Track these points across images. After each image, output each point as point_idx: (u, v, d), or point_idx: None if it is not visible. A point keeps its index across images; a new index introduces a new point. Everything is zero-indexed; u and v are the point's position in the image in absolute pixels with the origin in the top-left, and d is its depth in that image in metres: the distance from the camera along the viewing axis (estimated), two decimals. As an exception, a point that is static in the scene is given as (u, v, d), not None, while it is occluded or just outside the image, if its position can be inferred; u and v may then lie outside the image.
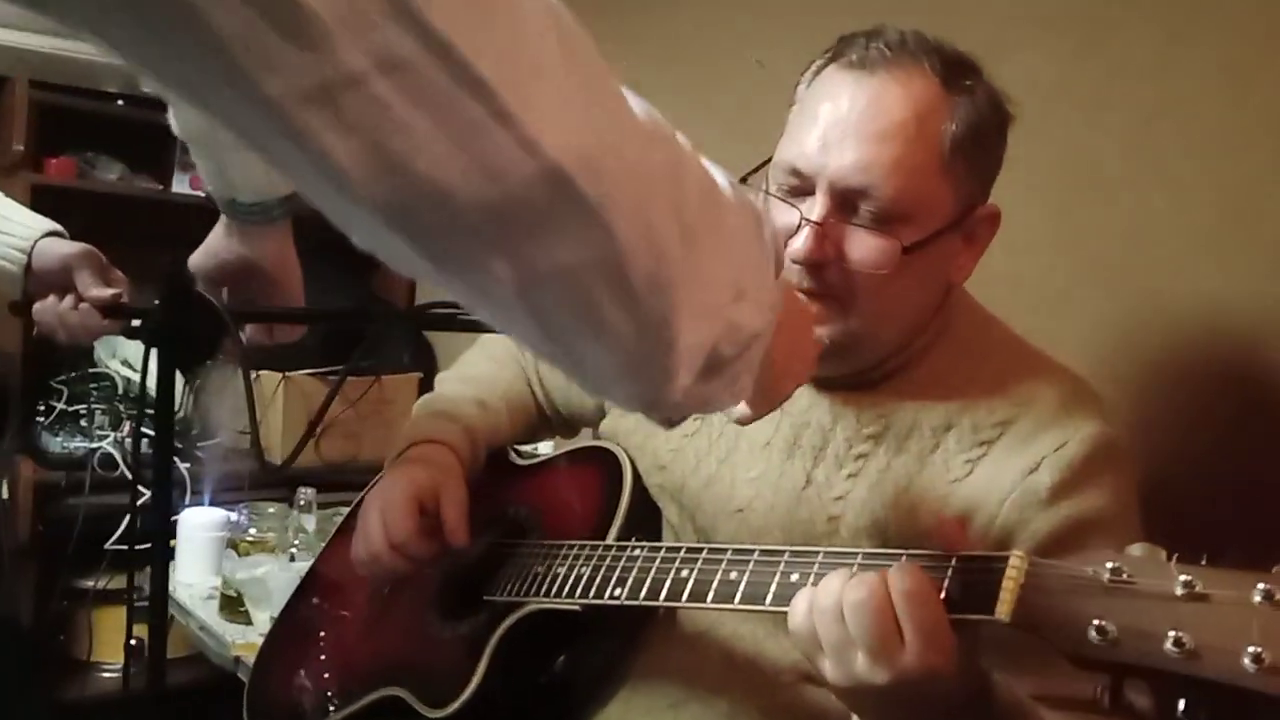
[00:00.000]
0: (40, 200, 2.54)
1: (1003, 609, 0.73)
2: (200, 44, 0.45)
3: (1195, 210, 1.29)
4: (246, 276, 1.20)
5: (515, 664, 1.06)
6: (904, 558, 0.81)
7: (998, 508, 0.97)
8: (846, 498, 1.04)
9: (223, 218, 1.18)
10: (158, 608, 1.31)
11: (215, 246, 1.19)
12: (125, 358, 2.56)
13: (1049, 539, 0.95)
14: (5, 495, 2.42)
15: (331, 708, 1.15)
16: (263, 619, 1.81)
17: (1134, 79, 1.35)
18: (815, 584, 0.82)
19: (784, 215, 1.03)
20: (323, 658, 1.23)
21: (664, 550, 0.98)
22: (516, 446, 1.32)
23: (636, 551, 0.99)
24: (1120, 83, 1.36)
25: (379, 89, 0.47)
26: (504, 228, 0.52)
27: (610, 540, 1.06)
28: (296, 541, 1.97)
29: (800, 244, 1.00)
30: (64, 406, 2.45)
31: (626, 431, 1.22)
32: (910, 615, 0.76)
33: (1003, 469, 0.99)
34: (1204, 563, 0.67)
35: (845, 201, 1.00)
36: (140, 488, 1.76)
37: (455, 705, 1.03)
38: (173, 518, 2.12)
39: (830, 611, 0.78)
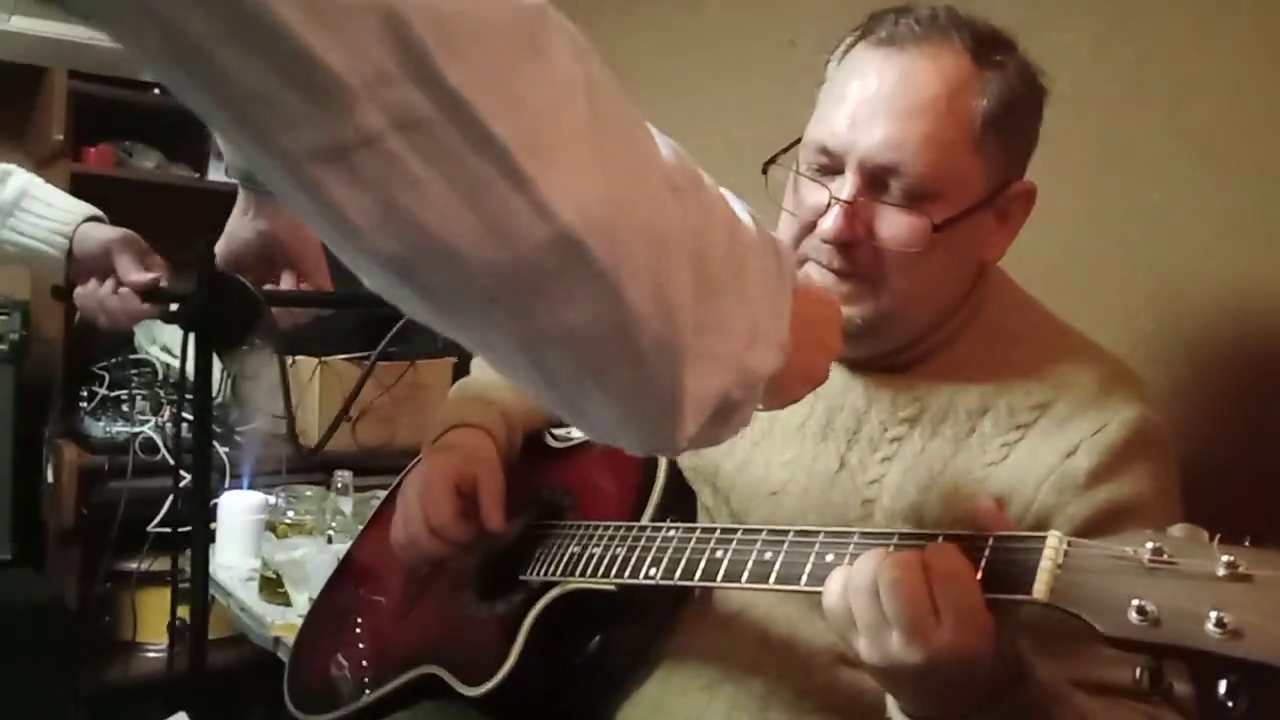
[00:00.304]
0: (79, 188, 2.56)
1: (1040, 589, 0.72)
2: (223, 96, 0.46)
3: (1233, 188, 1.27)
4: (268, 252, 1.20)
5: (551, 643, 1.07)
6: (940, 538, 0.80)
7: (1034, 491, 0.96)
8: (881, 481, 1.04)
9: (238, 201, 1.19)
10: (199, 589, 1.33)
11: (234, 229, 1.20)
12: (164, 343, 2.60)
13: (1086, 524, 0.94)
14: (50, 479, 2.46)
15: (369, 685, 1.17)
16: (301, 600, 1.83)
17: (1169, 56, 1.33)
18: (851, 564, 0.81)
19: (813, 194, 1.02)
20: (361, 637, 1.24)
21: (699, 531, 0.98)
22: (552, 429, 1.33)
23: (671, 532, 1.00)
24: (1155, 60, 1.34)
25: (394, 146, 0.47)
26: (511, 288, 0.52)
27: (645, 521, 1.07)
28: (334, 524, 1.99)
29: (830, 223, 0.99)
30: (106, 392, 2.49)
31: None
32: (946, 595, 0.76)
33: (1039, 453, 0.98)
34: (1247, 544, 0.66)
35: (875, 179, 0.99)
36: (181, 471, 1.79)
37: (492, 683, 1.04)
38: (212, 501, 2.15)
39: (865, 590, 0.78)
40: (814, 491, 1.07)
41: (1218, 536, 0.68)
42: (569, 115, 0.51)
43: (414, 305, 0.54)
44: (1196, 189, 1.30)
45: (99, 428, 2.45)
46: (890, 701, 0.86)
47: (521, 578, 1.11)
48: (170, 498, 2.30)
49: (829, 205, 1.00)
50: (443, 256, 0.50)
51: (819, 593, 0.83)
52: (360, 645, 1.24)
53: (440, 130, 0.47)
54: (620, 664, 1.13)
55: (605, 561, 1.03)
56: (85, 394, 2.49)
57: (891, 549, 0.81)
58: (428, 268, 0.51)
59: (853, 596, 0.79)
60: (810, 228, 1.02)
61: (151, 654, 2.51)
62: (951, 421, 1.03)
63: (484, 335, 0.56)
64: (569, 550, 1.07)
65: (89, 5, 0.45)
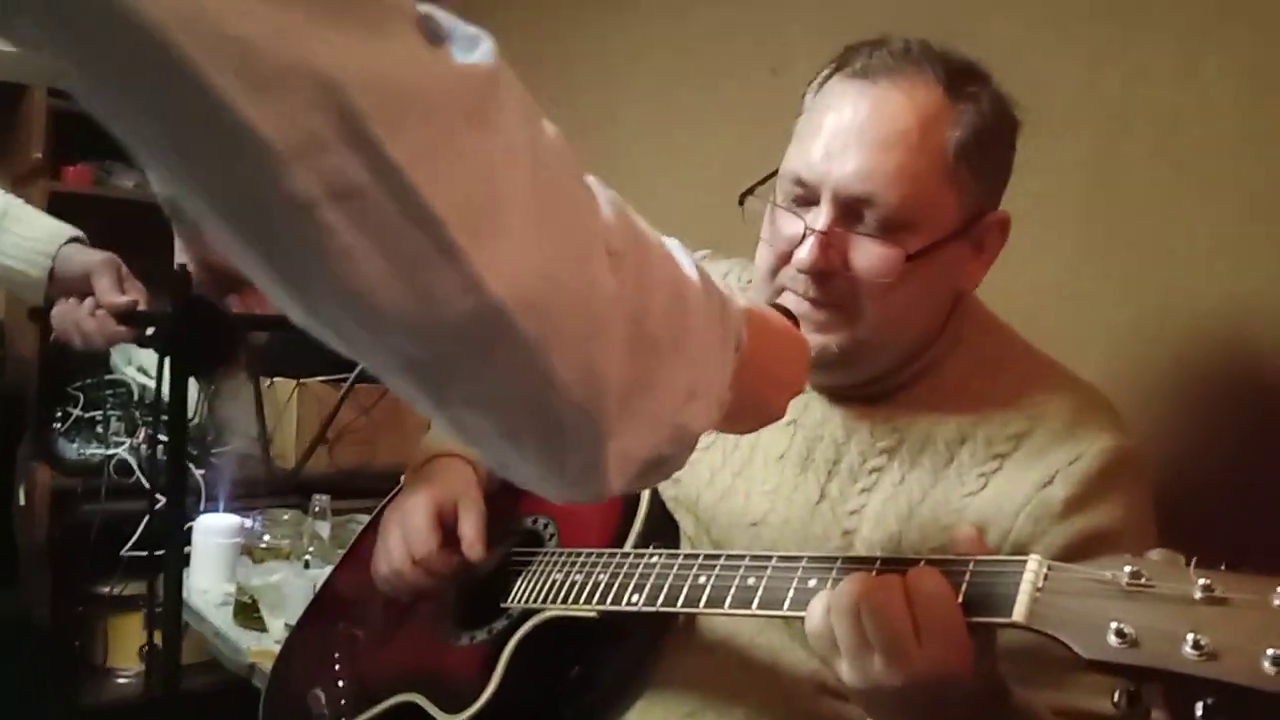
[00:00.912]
0: (58, 207, 2.54)
1: (1020, 612, 0.72)
2: (148, 142, 0.46)
3: (1221, 215, 1.28)
4: (216, 281, 1.17)
5: (532, 671, 1.06)
6: (922, 563, 0.80)
7: (1011, 521, 0.97)
8: (861, 512, 1.04)
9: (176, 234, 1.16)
10: (172, 614, 1.31)
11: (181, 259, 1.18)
12: (141, 364, 2.58)
13: (1063, 552, 0.94)
14: (22, 501, 2.43)
15: (346, 713, 1.16)
16: (277, 625, 1.81)
17: (1156, 83, 1.34)
18: (833, 588, 0.81)
19: (789, 225, 1.03)
20: (339, 665, 1.23)
21: (681, 557, 0.97)
22: None
23: (654, 559, 0.99)
24: (1142, 87, 1.35)
25: (326, 216, 0.46)
26: (431, 354, 0.52)
27: (628, 548, 1.06)
28: (311, 548, 1.97)
29: (805, 253, 1.00)
30: (80, 413, 2.46)
31: None
32: (927, 617, 0.76)
33: (1016, 483, 0.98)
34: (1223, 568, 0.67)
35: (849, 210, 1.00)
36: (156, 494, 1.77)
37: (471, 711, 1.03)
38: (187, 524, 2.13)
39: (848, 613, 0.78)
40: (794, 522, 1.07)
41: (1194, 560, 0.68)
42: (509, 185, 0.51)
43: (336, 345, 0.54)
44: (1185, 213, 1.31)
45: (73, 449, 2.42)
46: None
47: (502, 605, 1.10)
48: (144, 520, 2.28)
49: (804, 236, 1.01)
50: (365, 319, 0.50)
51: (802, 617, 0.83)
52: (339, 673, 1.22)
53: (376, 199, 0.47)
54: (602, 692, 1.12)
55: (587, 589, 1.02)
56: (60, 414, 2.46)
57: (874, 573, 0.81)
58: (349, 327, 0.51)
59: (835, 619, 0.79)
60: (787, 258, 1.03)
61: (123, 679, 2.47)
62: (930, 452, 1.03)
63: (402, 388, 0.56)
64: (551, 577, 1.07)
65: (35, 37, 0.45)
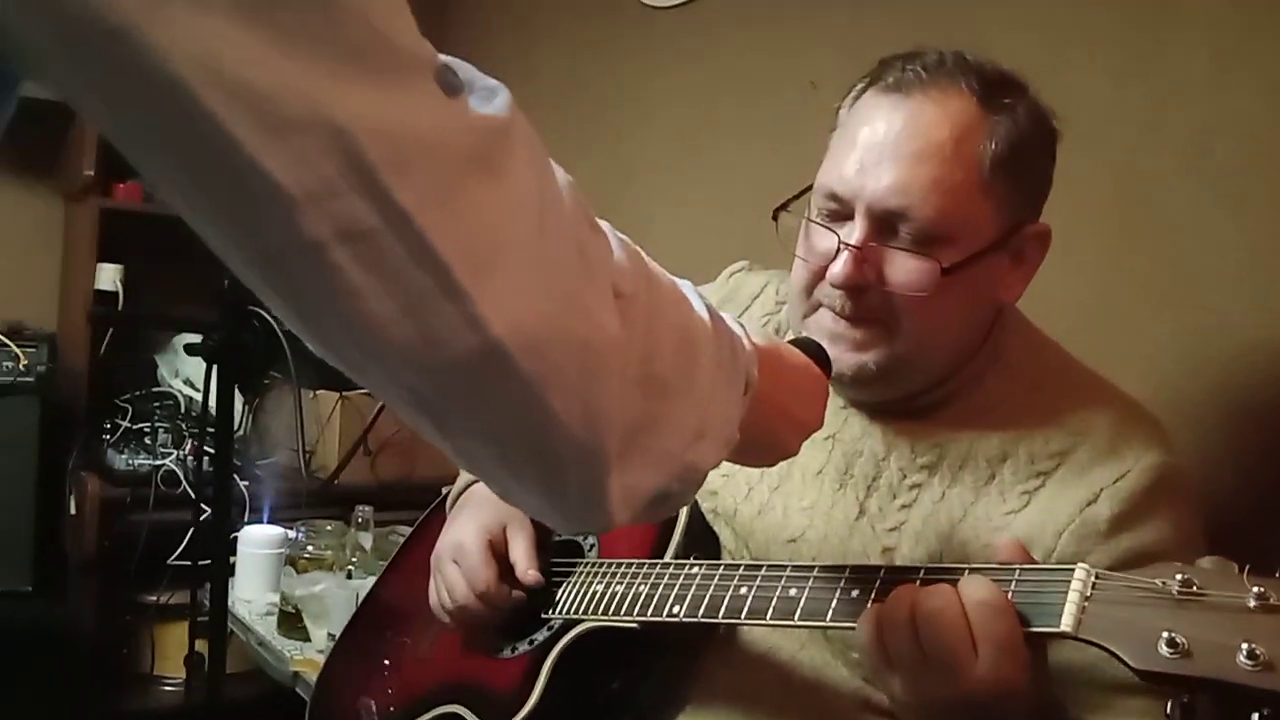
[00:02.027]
0: (109, 224, 2.61)
1: (1068, 621, 0.72)
2: (173, 194, 0.48)
3: (1255, 228, 1.27)
4: None
5: (573, 682, 1.06)
6: (966, 572, 0.80)
7: (1054, 540, 0.95)
8: (901, 529, 1.03)
9: None
10: (218, 623, 1.33)
11: None
12: (188, 377, 2.61)
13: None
14: (73, 510, 2.47)
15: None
16: (320, 635, 1.82)
17: (1189, 96, 1.33)
18: (877, 599, 0.80)
19: (823, 240, 1.02)
20: (384, 676, 1.24)
21: (722, 568, 0.97)
22: None
23: (695, 569, 0.99)
24: (1175, 100, 1.34)
25: (336, 257, 0.48)
26: (435, 388, 0.54)
27: (668, 559, 1.06)
28: (354, 559, 1.99)
29: (839, 268, 1.00)
30: (128, 425, 2.50)
31: None
32: (985, 625, 0.75)
33: (1060, 501, 0.97)
34: (1278, 576, 0.66)
35: (884, 224, 0.99)
36: (202, 505, 1.80)
37: None
38: (232, 535, 2.15)
39: (902, 624, 0.77)
40: (833, 538, 1.06)
41: (1247, 568, 0.67)
42: (516, 231, 0.53)
43: (346, 372, 0.56)
44: (1217, 229, 1.30)
45: (121, 460, 2.46)
46: None
47: (544, 616, 1.10)
48: (190, 530, 2.31)
49: (838, 251, 1.00)
50: (373, 354, 0.52)
51: (844, 628, 0.82)
52: (383, 684, 1.23)
53: (384, 242, 0.49)
54: (643, 706, 1.12)
55: (629, 599, 1.02)
56: (109, 426, 2.51)
57: (918, 584, 0.80)
58: (357, 358, 0.54)
59: (888, 631, 0.78)
60: (821, 273, 1.02)
61: (169, 687, 2.50)
62: (971, 469, 1.02)
63: (408, 415, 0.58)
64: (592, 588, 1.07)
65: (62, 84, 0.46)
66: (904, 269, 0.99)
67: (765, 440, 0.80)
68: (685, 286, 0.70)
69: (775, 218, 1.08)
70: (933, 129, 0.98)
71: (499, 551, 1.16)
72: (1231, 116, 1.29)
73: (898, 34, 1.08)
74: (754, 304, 1.25)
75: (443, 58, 0.53)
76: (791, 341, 1.01)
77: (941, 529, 1.01)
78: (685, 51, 2.09)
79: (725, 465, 1.14)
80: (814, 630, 1.05)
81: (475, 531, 1.16)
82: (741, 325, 0.77)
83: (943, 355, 1.05)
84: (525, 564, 1.14)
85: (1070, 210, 1.41)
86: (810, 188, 1.06)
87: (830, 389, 1.10)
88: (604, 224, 0.64)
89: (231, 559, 2.16)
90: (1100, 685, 0.92)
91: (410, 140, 0.49)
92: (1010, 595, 0.76)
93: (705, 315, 0.68)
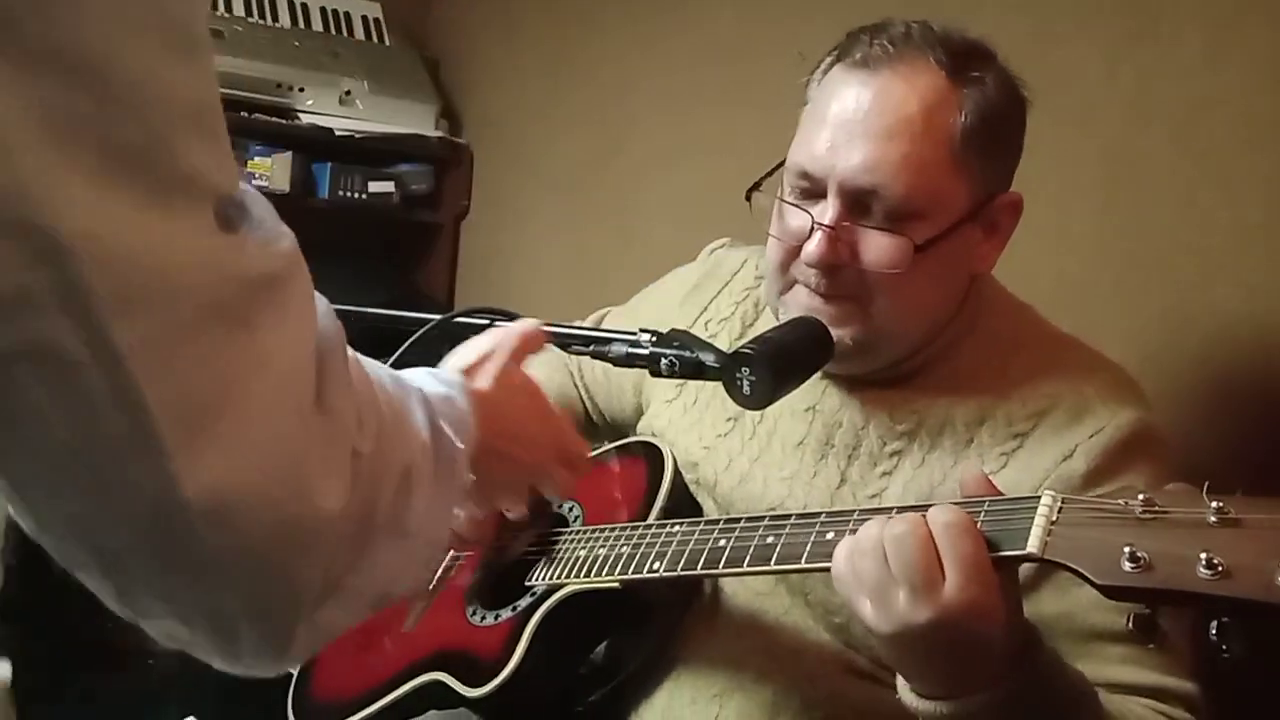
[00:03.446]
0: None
1: (1034, 543, 0.73)
2: None
3: (1244, 205, 1.27)
4: None
5: (556, 646, 1.06)
6: (933, 508, 0.80)
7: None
8: (882, 495, 1.04)
9: None
10: None
11: None
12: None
13: None
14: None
15: (374, 695, 1.16)
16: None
17: (1181, 72, 1.33)
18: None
19: (797, 219, 1.03)
20: (368, 648, 1.23)
21: (702, 524, 0.98)
22: None
23: (675, 528, 1.00)
24: (1166, 76, 1.35)
25: (21, 373, 0.44)
26: (110, 544, 0.50)
27: (651, 521, 1.07)
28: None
29: (813, 248, 1.00)
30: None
31: (659, 430, 1.23)
32: (951, 546, 0.76)
33: (1036, 459, 0.98)
34: (1239, 494, 0.67)
35: (856, 202, 1.00)
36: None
37: (493, 684, 1.03)
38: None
39: (871, 552, 0.78)
40: (814, 507, 1.06)
41: (1206, 485, 0.69)
42: (248, 394, 0.49)
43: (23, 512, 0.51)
44: (1205, 206, 1.31)
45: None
46: (901, 683, 0.85)
47: (527, 583, 1.11)
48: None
49: (812, 230, 1.00)
50: (51, 483, 0.48)
51: (820, 569, 0.83)
52: (366, 659, 1.23)
53: (84, 376, 0.44)
54: (628, 671, 1.13)
55: (610, 560, 1.03)
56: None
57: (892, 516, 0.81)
58: (31, 485, 0.48)
59: (858, 559, 0.79)
60: (796, 252, 1.03)
61: (153, 663, 2.50)
62: (950, 434, 1.03)
63: (70, 556, 0.52)
64: (575, 553, 1.07)
65: None
66: (877, 247, 0.99)
67: (498, 468, 0.83)
68: (410, 394, 0.67)
69: (748, 198, 1.08)
70: (902, 105, 0.98)
71: None
72: (1221, 94, 1.29)
73: (886, 5, 1.08)
74: (734, 279, 1.26)
75: (243, 191, 0.50)
76: (794, 321, 1.02)
77: (923, 494, 1.02)
78: (672, 21, 2.09)
79: (706, 438, 1.17)
80: (796, 595, 1.06)
81: None
82: (461, 379, 0.77)
83: (919, 326, 1.05)
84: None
85: (1059, 187, 1.41)
86: (782, 165, 1.07)
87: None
88: (366, 363, 0.62)
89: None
90: (1077, 634, 0.93)
91: (149, 274, 0.44)
92: (979, 525, 0.77)
93: (426, 431, 0.66)
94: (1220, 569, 0.63)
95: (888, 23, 1.03)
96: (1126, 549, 0.67)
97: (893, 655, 0.83)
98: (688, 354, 0.94)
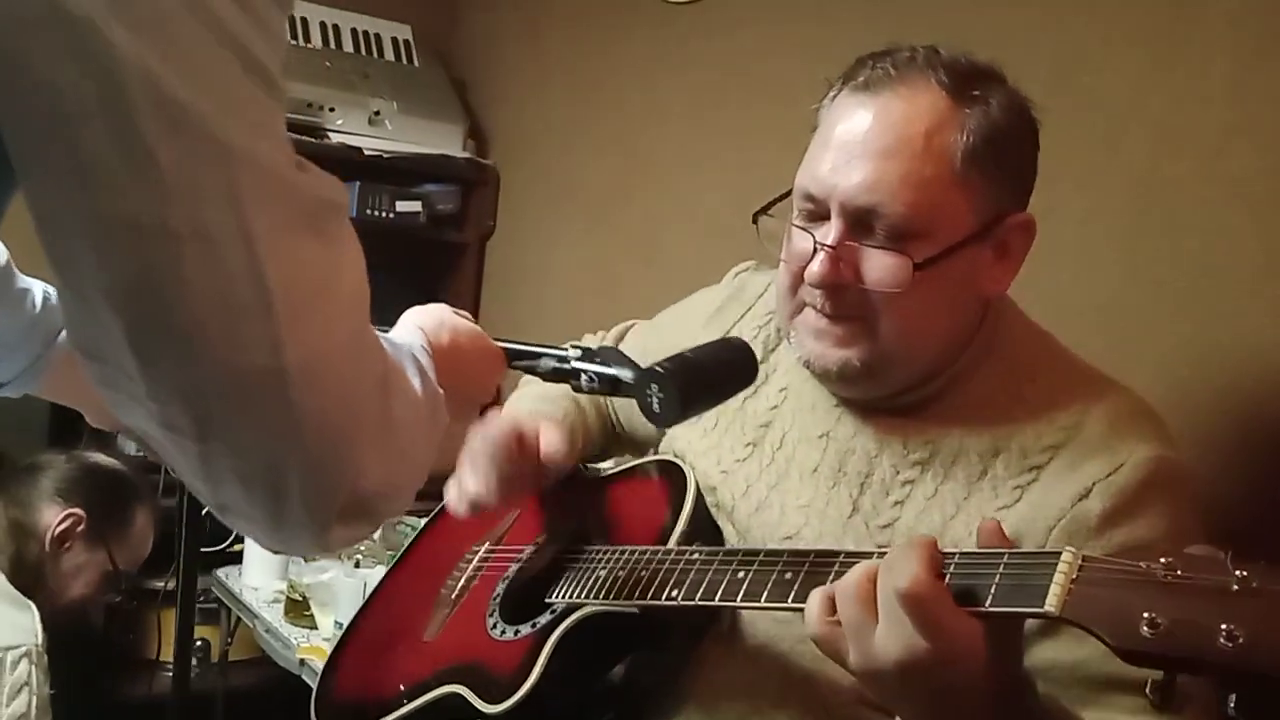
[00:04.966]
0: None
1: (1052, 601, 0.72)
2: (63, 150, 0.53)
3: (1272, 232, 1.27)
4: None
5: (574, 665, 1.06)
6: (956, 556, 0.80)
7: (1045, 535, 0.95)
8: (894, 526, 1.03)
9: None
10: (186, 605, 1.34)
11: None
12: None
13: None
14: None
15: (394, 705, 1.17)
16: (327, 623, 1.84)
17: (1208, 99, 1.33)
18: None
19: (802, 241, 1.03)
20: (389, 663, 1.24)
21: (721, 554, 0.98)
22: (584, 461, 1.33)
23: (695, 555, 1.00)
24: (1193, 103, 1.34)
25: (183, 250, 0.54)
26: (213, 393, 0.59)
27: (672, 545, 1.07)
28: (362, 548, 2.00)
29: (815, 269, 1.01)
30: (140, 411, 2.51)
31: (679, 451, 1.23)
32: (883, 596, 0.77)
33: (1052, 495, 0.97)
34: (1263, 563, 0.66)
35: (859, 222, 1.00)
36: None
37: (511, 701, 1.03)
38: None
39: (821, 602, 0.82)
40: (828, 537, 1.06)
41: (1229, 554, 0.68)
42: (330, 285, 0.62)
43: (118, 364, 0.59)
44: (1234, 235, 1.30)
45: (131, 445, 2.47)
46: None
47: (546, 600, 1.11)
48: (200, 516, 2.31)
49: (815, 251, 1.01)
50: (179, 343, 0.57)
51: None
52: (388, 667, 1.24)
53: (229, 254, 0.55)
54: (644, 694, 1.12)
55: (629, 584, 1.03)
56: (120, 412, 2.51)
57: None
58: (161, 346, 0.57)
59: (808, 607, 0.83)
60: (803, 274, 1.03)
61: (171, 673, 2.51)
62: (963, 464, 1.02)
63: (170, 416, 0.61)
64: (595, 574, 1.08)
65: None
66: (879, 266, 0.99)
67: (458, 396, 0.87)
68: (403, 353, 0.77)
69: (755, 221, 1.09)
70: (902, 125, 0.98)
71: (527, 438, 1.17)
72: (1250, 121, 1.29)
73: (914, 35, 1.08)
74: (758, 303, 1.26)
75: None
76: (719, 341, 1.06)
77: (934, 526, 1.01)
78: (700, 49, 2.10)
79: (724, 462, 1.17)
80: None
81: (507, 418, 1.18)
82: (422, 331, 0.87)
83: (929, 350, 1.05)
84: (552, 443, 1.17)
85: (1087, 214, 1.41)
86: (789, 194, 1.07)
87: (825, 390, 1.12)
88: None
89: (239, 546, 2.18)
90: (1091, 681, 0.91)
91: (274, 176, 0.57)
92: (997, 577, 0.76)
93: (418, 383, 0.76)
94: (1240, 640, 0.62)
95: (894, 47, 1.04)
96: (1146, 614, 0.66)
97: (877, 697, 0.86)
98: (606, 370, 0.95)
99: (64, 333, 1.05)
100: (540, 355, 0.99)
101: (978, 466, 1.01)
